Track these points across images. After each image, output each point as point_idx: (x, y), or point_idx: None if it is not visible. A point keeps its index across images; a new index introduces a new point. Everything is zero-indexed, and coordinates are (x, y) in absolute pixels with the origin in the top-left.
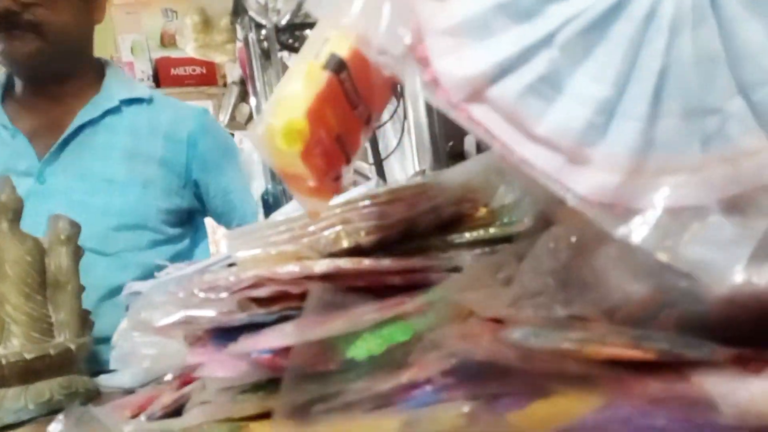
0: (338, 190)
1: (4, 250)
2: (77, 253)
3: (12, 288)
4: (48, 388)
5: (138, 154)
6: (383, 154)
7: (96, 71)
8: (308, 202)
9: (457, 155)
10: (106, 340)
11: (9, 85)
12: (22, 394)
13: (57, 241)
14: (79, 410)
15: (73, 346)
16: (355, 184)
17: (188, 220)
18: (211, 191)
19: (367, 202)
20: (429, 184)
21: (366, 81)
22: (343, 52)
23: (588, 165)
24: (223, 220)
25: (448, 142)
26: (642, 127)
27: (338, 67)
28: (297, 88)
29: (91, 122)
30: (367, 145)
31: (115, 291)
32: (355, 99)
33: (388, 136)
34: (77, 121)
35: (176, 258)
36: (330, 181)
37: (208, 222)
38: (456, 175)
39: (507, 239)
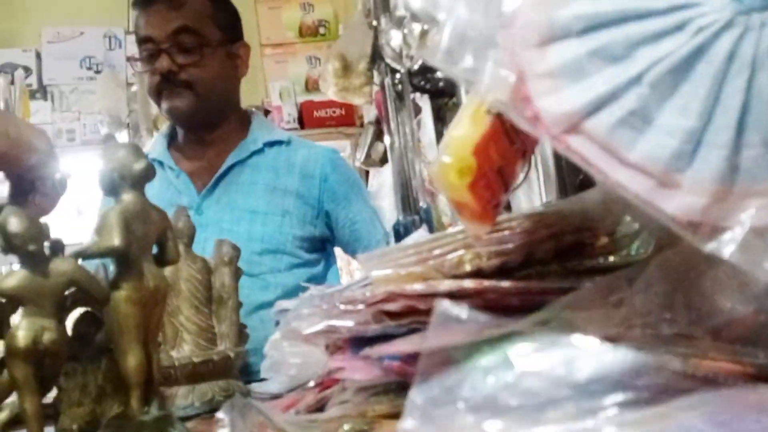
0: (497, 215)
1: (180, 269)
2: (237, 273)
3: (185, 302)
4: (210, 389)
5: (277, 188)
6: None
7: (243, 119)
8: (472, 227)
9: (587, 187)
10: (252, 352)
11: (172, 134)
12: (190, 394)
13: (221, 263)
14: (241, 402)
15: (232, 354)
16: None
17: (321, 247)
18: (339, 221)
19: (489, 229)
20: (548, 213)
21: None
22: (503, 96)
23: (677, 189)
24: (349, 248)
25: (577, 174)
26: (726, 155)
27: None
28: (466, 130)
29: (239, 162)
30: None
31: (258, 308)
32: (513, 136)
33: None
34: (228, 162)
35: (311, 280)
36: (491, 208)
37: (343, 255)
38: (575, 204)
39: (626, 267)
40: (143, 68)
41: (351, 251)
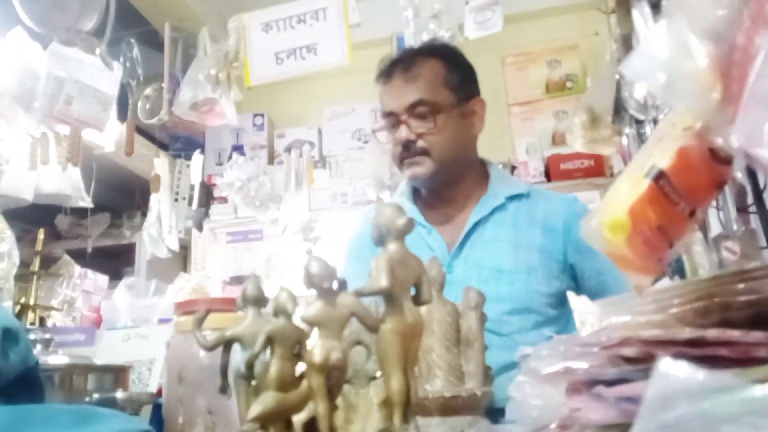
0: (661, 269)
1: (432, 311)
2: (483, 318)
3: (437, 341)
4: (459, 423)
5: (521, 244)
6: None
7: (481, 173)
8: (634, 278)
9: None
10: (500, 411)
11: (414, 191)
12: (441, 425)
13: (468, 307)
14: (485, 425)
15: (479, 393)
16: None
17: (565, 301)
18: (586, 273)
19: (737, 278)
20: None
21: (687, 183)
22: (664, 163)
23: None
24: (597, 298)
25: None
26: None
27: (657, 175)
28: (623, 192)
29: (483, 219)
30: (759, 227)
31: (506, 368)
32: (675, 198)
33: None
34: (472, 219)
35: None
36: (653, 262)
37: (579, 299)
38: None
39: None
40: (386, 139)
41: None
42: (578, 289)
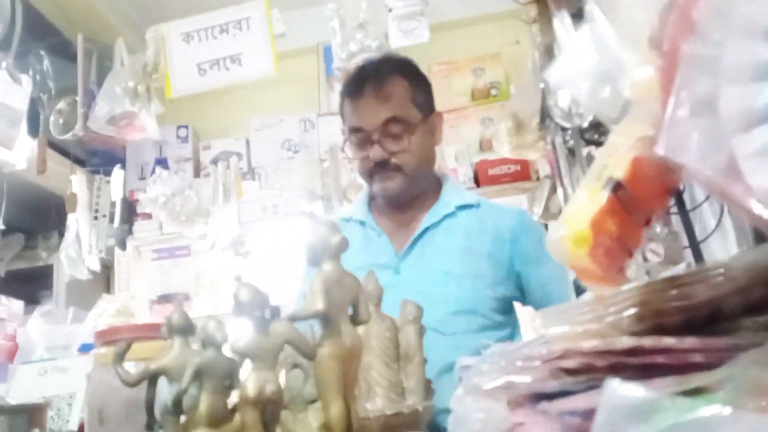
0: (622, 279)
1: (371, 327)
2: (421, 331)
3: (376, 358)
4: None
5: (470, 251)
6: (701, 237)
7: (435, 183)
8: (597, 289)
9: None
10: (443, 411)
11: (371, 196)
12: None
13: (407, 321)
14: None
15: (420, 408)
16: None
17: (511, 308)
18: (531, 283)
19: (668, 284)
20: (735, 265)
21: (642, 193)
22: (620, 174)
23: None
24: (541, 308)
25: None
26: None
27: (615, 187)
28: (582, 205)
29: (433, 225)
30: (681, 228)
31: (451, 367)
32: (632, 208)
33: (706, 217)
34: (423, 225)
35: (500, 342)
36: (614, 272)
37: (528, 311)
38: (764, 255)
39: None
40: (355, 155)
41: None
42: (523, 298)
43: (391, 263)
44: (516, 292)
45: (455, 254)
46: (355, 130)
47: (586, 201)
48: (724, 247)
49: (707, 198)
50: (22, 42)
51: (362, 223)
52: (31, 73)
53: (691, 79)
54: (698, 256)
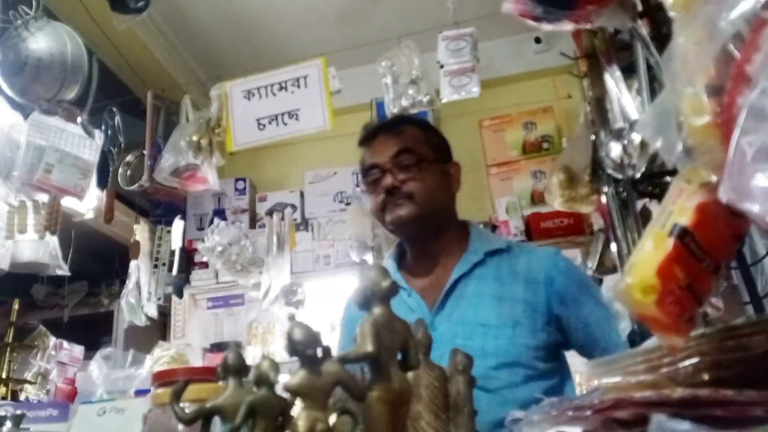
0: (692, 328)
1: (420, 376)
2: (471, 382)
3: (425, 407)
4: None
5: (504, 298)
6: (762, 292)
7: (462, 231)
8: (666, 339)
9: None
10: None
11: (400, 255)
12: None
13: (456, 371)
14: None
15: None
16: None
17: (556, 355)
18: (572, 325)
19: (726, 335)
20: None
21: (709, 239)
22: (685, 220)
23: None
24: (585, 351)
25: None
26: None
27: (681, 233)
28: (648, 253)
29: (464, 276)
30: (741, 283)
31: (497, 425)
32: (700, 255)
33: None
34: (453, 276)
35: (548, 392)
36: (683, 321)
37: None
38: None
39: None
40: (369, 191)
41: (588, 354)
42: (566, 342)
43: (426, 320)
44: (559, 336)
45: (490, 304)
46: (370, 168)
47: (651, 249)
48: None
49: None
50: (96, 99)
51: None
52: (103, 128)
53: (752, 128)
54: (760, 310)
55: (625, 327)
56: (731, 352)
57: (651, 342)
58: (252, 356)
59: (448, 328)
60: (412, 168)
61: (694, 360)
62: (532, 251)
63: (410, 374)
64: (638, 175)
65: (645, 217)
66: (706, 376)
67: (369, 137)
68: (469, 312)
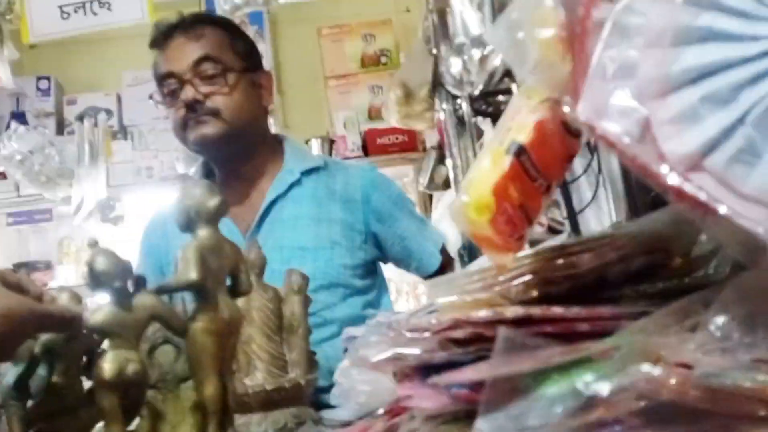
0: (521, 247)
1: (252, 299)
2: (307, 301)
3: (257, 330)
4: (283, 416)
5: (322, 219)
6: (578, 208)
7: (275, 147)
8: (496, 258)
9: (659, 206)
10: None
11: (207, 176)
12: (263, 421)
13: (291, 291)
14: (313, 429)
15: (303, 381)
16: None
17: (374, 270)
18: (389, 240)
19: (555, 253)
20: (618, 235)
21: (544, 158)
22: (523, 138)
23: None
24: (402, 265)
25: (648, 193)
26: None
27: (518, 151)
28: (485, 170)
29: (279, 197)
30: (560, 199)
31: (315, 345)
32: (534, 174)
33: (583, 189)
34: (268, 198)
35: (366, 307)
36: (514, 240)
37: (411, 278)
38: (646, 225)
39: (703, 289)
40: (167, 104)
41: (405, 267)
42: (384, 257)
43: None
44: (376, 252)
45: (307, 226)
46: (165, 76)
47: (488, 166)
48: (599, 219)
49: (585, 171)
50: None
51: None
52: None
53: (615, 42)
54: (575, 227)
55: (455, 242)
56: (561, 270)
57: (484, 260)
58: (64, 277)
59: (265, 253)
60: (217, 79)
61: (527, 278)
62: (348, 168)
63: (241, 299)
64: (477, 92)
65: (477, 135)
66: (535, 293)
67: (162, 38)
68: (286, 235)
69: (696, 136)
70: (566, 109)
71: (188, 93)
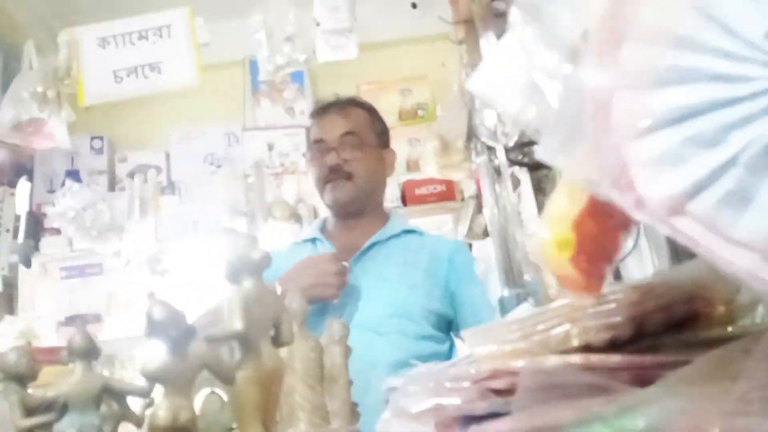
0: (601, 287)
1: (294, 348)
2: (347, 352)
3: (299, 380)
4: None
5: (407, 263)
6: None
7: (384, 214)
8: (578, 298)
9: None
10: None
11: (324, 223)
12: None
13: (332, 341)
14: None
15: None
16: None
17: (446, 329)
18: (464, 300)
19: (595, 302)
20: (657, 283)
21: None
22: None
23: None
24: (468, 326)
25: None
26: None
27: None
28: (563, 207)
29: (379, 242)
30: None
31: (384, 366)
32: (612, 210)
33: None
34: (371, 241)
35: (435, 357)
36: (595, 279)
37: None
38: (687, 272)
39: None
40: (313, 163)
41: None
42: (454, 322)
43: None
44: (450, 311)
45: (394, 266)
46: (316, 141)
47: (566, 204)
48: (641, 267)
49: None
50: None
51: (313, 240)
52: None
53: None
54: (617, 275)
55: (494, 290)
56: (599, 318)
57: (523, 309)
58: (113, 329)
59: (354, 280)
60: (356, 150)
61: (566, 327)
62: (441, 237)
63: (284, 349)
64: (511, 144)
65: (514, 185)
66: (575, 342)
67: (321, 111)
68: (374, 269)
69: (679, 178)
70: None
71: (332, 158)
